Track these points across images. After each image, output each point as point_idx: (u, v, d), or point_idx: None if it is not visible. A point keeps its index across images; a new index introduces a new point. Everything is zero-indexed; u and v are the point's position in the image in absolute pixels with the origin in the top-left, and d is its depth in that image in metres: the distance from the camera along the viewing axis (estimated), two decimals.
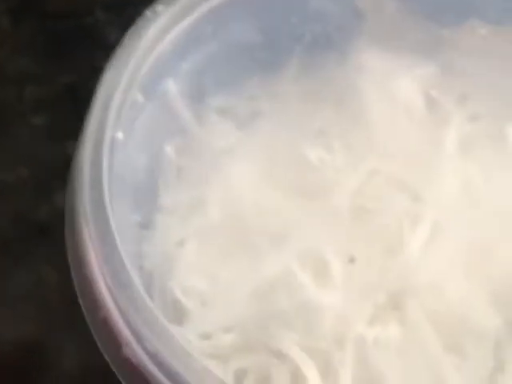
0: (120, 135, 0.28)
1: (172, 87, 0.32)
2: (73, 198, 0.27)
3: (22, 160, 0.42)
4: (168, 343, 0.23)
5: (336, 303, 0.28)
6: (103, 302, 0.25)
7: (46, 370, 0.36)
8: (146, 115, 0.31)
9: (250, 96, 0.34)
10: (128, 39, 0.29)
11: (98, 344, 0.25)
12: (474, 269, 0.29)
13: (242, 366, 0.28)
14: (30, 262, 0.39)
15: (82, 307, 0.26)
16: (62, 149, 0.41)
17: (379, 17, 0.33)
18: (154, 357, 0.24)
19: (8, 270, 0.39)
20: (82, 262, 0.26)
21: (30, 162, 0.42)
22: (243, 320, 0.28)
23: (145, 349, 0.24)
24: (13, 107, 0.44)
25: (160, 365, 0.23)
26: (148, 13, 0.30)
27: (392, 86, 0.33)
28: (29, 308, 0.38)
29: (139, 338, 0.24)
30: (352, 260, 0.29)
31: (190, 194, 0.32)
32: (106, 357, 0.25)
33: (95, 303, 0.25)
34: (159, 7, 0.31)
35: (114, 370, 0.25)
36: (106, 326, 0.25)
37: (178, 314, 0.30)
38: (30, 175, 0.42)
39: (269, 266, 0.29)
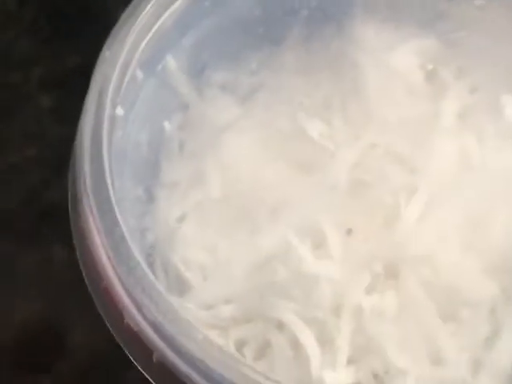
0: (120, 111, 0.29)
1: (172, 63, 0.32)
2: (74, 173, 0.27)
3: (29, 141, 0.43)
4: (167, 311, 0.24)
5: (333, 273, 0.28)
6: (104, 273, 0.25)
7: (56, 347, 0.37)
8: (146, 91, 0.31)
9: (249, 70, 0.34)
10: (126, 15, 0.30)
11: (101, 313, 0.26)
12: (470, 239, 0.30)
13: (242, 336, 0.29)
14: (38, 242, 0.39)
15: (85, 278, 0.27)
16: (69, 129, 0.41)
17: None
18: (153, 324, 0.24)
19: (17, 249, 0.39)
20: (83, 235, 0.26)
21: (37, 143, 0.43)
22: (243, 291, 0.29)
23: (144, 317, 0.24)
24: (20, 89, 0.45)
25: (160, 332, 0.24)
26: None
27: (390, 58, 0.33)
28: (38, 287, 0.38)
29: (139, 307, 0.24)
30: (349, 232, 0.29)
31: (191, 168, 0.32)
32: (108, 325, 0.26)
33: (97, 274, 0.26)
34: None
35: (115, 337, 0.25)
36: (107, 295, 0.25)
37: (180, 287, 0.31)
38: (38, 156, 0.42)
39: (267, 238, 0.30)
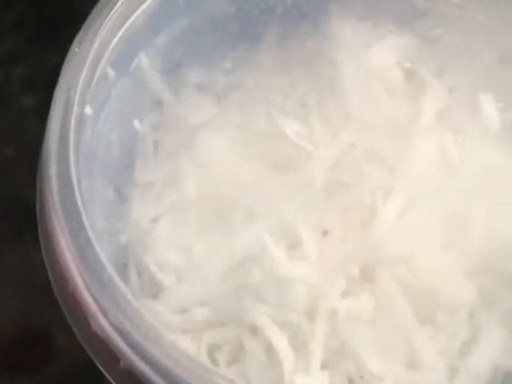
0: (88, 110, 0.28)
1: (145, 61, 0.31)
2: (41, 174, 0.27)
3: (10, 141, 0.42)
4: (134, 317, 0.23)
5: (308, 276, 0.27)
6: (70, 277, 0.25)
7: (38, 348, 0.36)
8: (118, 90, 0.31)
9: (225, 69, 0.34)
10: (96, 12, 0.29)
11: (67, 317, 0.25)
12: (449, 239, 0.29)
13: (215, 340, 0.28)
14: (19, 242, 0.39)
15: (52, 282, 0.26)
16: None
17: None
18: (120, 331, 0.23)
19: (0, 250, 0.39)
20: (50, 238, 0.26)
21: (18, 143, 0.42)
22: (216, 294, 0.28)
23: (111, 323, 0.24)
24: (1, 88, 0.44)
25: (126, 339, 0.23)
26: None
27: (367, 56, 0.33)
28: (17, 289, 0.38)
29: (105, 313, 0.24)
30: (325, 233, 0.29)
31: (165, 168, 0.31)
32: (74, 330, 0.25)
33: (63, 278, 0.25)
34: None
35: (81, 343, 0.25)
36: (74, 300, 0.25)
37: (154, 289, 0.30)
38: (19, 156, 0.42)
39: (242, 240, 0.29)
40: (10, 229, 0.39)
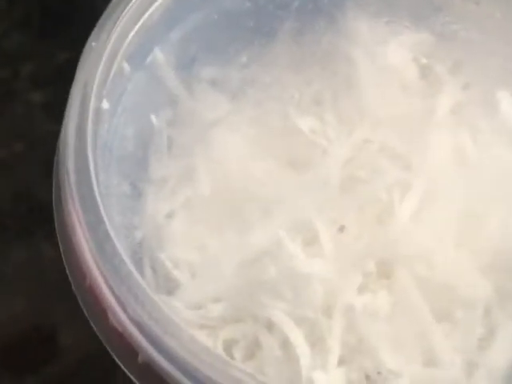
0: (105, 105, 0.28)
1: (160, 56, 0.31)
2: (58, 168, 0.27)
3: (18, 137, 0.42)
4: (153, 311, 0.23)
5: (325, 272, 0.27)
6: (88, 271, 0.24)
7: (43, 347, 0.36)
8: (133, 85, 0.31)
9: (240, 65, 0.34)
10: (112, 7, 0.29)
11: (85, 312, 0.25)
12: (465, 237, 0.29)
13: (231, 336, 0.28)
14: (28, 239, 0.39)
15: (69, 275, 0.26)
16: (59, 126, 0.41)
17: None
18: (138, 325, 0.23)
19: (6, 247, 0.39)
20: (67, 232, 0.25)
21: (26, 139, 0.42)
22: (232, 290, 0.28)
23: (129, 317, 0.24)
24: (9, 85, 0.44)
25: (145, 333, 0.23)
26: None
27: (383, 52, 0.33)
28: (27, 284, 0.38)
29: (124, 306, 0.24)
30: (341, 229, 0.29)
31: (180, 164, 0.31)
32: (92, 324, 0.25)
33: (81, 272, 0.25)
34: None
35: (99, 337, 0.25)
36: (92, 294, 0.24)
37: (169, 285, 0.30)
38: (27, 152, 0.42)
39: (258, 236, 0.29)
40: (18, 225, 0.40)
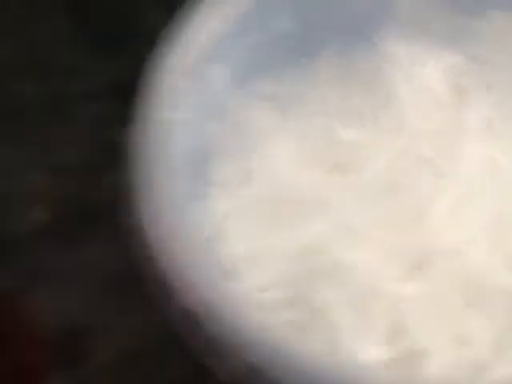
0: (170, 116, 0.32)
1: (219, 73, 0.35)
2: (127, 175, 0.30)
3: (72, 146, 0.45)
4: (222, 293, 0.26)
5: (368, 263, 0.30)
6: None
7: (85, 347, 0.38)
8: (194, 97, 0.34)
9: (289, 83, 0.37)
10: (177, 28, 0.33)
11: (154, 293, 0.28)
12: (497, 240, 0.32)
13: (290, 317, 0.30)
14: (77, 242, 0.41)
15: (141, 263, 0.29)
16: (110, 136, 0.43)
17: (405, 6, 0.36)
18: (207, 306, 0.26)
19: (64, 250, 0.41)
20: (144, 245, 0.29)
21: (81, 148, 0.45)
22: (284, 279, 0.31)
23: (199, 298, 0.26)
24: (61, 102, 0.47)
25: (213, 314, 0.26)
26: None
27: (420, 73, 0.36)
28: (73, 286, 0.40)
29: (193, 288, 0.26)
30: (382, 227, 0.32)
31: (236, 170, 0.35)
32: (161, 305, 0.28)
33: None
34: None
35: (168, 318, 0.27)
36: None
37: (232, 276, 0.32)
38: (80, 160, 0.44)
39: (306, 234, 0.32)
40: (67, 228, 0.42)
